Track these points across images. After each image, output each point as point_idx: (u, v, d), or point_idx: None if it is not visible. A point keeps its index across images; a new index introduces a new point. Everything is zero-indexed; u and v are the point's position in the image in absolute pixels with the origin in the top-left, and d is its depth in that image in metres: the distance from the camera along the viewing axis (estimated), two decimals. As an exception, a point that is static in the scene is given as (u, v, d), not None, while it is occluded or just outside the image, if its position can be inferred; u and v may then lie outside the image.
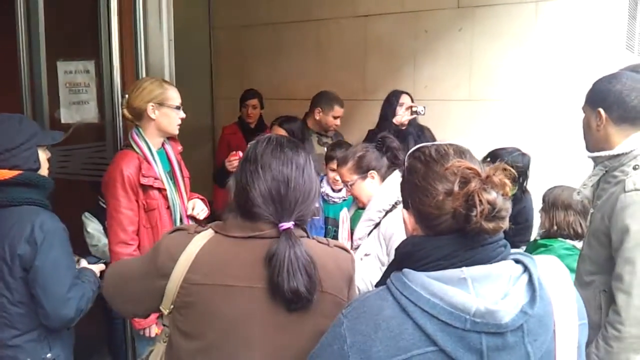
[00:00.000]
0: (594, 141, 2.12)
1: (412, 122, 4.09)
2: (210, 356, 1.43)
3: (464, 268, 1.13)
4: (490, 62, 4.52)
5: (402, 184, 1.30)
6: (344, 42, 5.27)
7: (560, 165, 3.93)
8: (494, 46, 4.49)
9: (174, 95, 2.68)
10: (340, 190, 3.23)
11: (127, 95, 2.69)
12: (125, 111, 2.68)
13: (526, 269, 1.17)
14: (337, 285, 1.48)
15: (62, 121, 3.31)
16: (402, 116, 4.04)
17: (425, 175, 1.20)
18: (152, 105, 2.62)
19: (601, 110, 2.04)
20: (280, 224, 1.43)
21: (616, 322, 1.97)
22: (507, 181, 1.15)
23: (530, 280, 1.15)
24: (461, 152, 1.24)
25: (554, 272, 1.23)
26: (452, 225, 1.16)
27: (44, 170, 2.19)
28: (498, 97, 4.51)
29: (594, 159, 2.14)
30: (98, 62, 3.18)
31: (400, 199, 2.58)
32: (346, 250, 1.57)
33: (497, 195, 1.12)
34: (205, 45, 6.18)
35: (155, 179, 2.63)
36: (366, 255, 2.69)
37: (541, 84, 4.27)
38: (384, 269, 2.55)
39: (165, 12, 3.17)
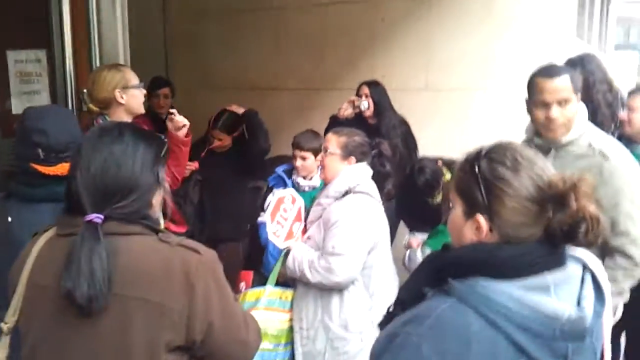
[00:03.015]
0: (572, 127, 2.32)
1: (389, 114, 4.14)
2: None
3: (546, 274, 1.10)
4: (446, 51, 4.57)
5: (473, 186, 1.18)
6: (303, 30, 5.25)
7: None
8: (450, 35, 4.54)
9: (133, 76, 2.72)
10: (311, 178, 3.27)
11: (85, 91, 2.68)
12: (91, 106, 2.68)
13: (585, 267, 1.17)
14: (158, 291, 1.29)
15: (14, 112, 3.22)
16: (344, 109, 4.09)
17: (515, 183, 1.13)
18: (119, 91, 2.63)
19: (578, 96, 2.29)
20: (85, 216, 1.30)
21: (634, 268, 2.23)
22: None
23: (594, 279, 1.16)
24: (539, 156, 1.20)
25: (598, 266, 1.23)
26: (541, 235, 1.12)
27: None
28: (455, 87, 4.57)
29: (560, 145, 2.36)
30: (50, 51, 3.11)
31: (351, 187, 2.67)
32: (195, 249, 1.37)
33: (595, 209, 1.09)
34: (160, 33, 6.03)
35: None
36: (308, 238, 2.76)
37: (496, 72, 4.35)
38: (318, 252, 2.64)
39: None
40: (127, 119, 2.70)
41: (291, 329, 2.78)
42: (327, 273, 2.58)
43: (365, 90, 4.20)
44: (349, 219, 2.62)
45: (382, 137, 3.47)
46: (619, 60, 12.16)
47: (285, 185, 3.30)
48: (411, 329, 1.10)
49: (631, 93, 3.51)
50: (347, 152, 2.74)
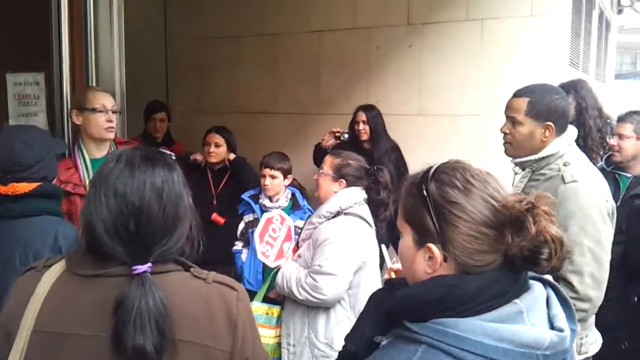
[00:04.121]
0: (530, 149, 2.30)
1: (382, 140, 4.22)
2: None
3: (517, 300, 1.02)
4: (438, 77, 4.66)
5: (423, 212, 1.08)
6: (298, 56, 5.36)
7: (505, 177, 4.06)
8: (442, 62, 4.64)
9: (93, 99, 2.68)
10: (277, 200, 3.35)
11: None
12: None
13: (542, 281, 1.10)
14: (205, 333, 1.22)
15: (11, 133, 3.27)
16: (327, 140, 4.21)
17: (469, 207, 1.04)
18: (75, 111, 2.67)
19: (551, 123, 2.24)
20: (134, 267, 1.17)
21: (573, 300, 2.12)
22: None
23: (558, 294, 1.10)
24: (491, 175, 1.11)
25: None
26: (501, 263, 1.03)
27: (56, 179, 2.21)
28: (446, 112, 4.64)
29: (522, 163, 2.34)
30: (48, 73, 3.18)
31: (342, 209, 2.71)
32: (231, 286, 1.29)
33: (558, 230, 1.01)
34: (161, 58, 6.18)
35: (76, 185, 2.64)
36: (299, 256, 2.80)
37: (487, 99, 4.42)
38: (306, 270, 2.66)
39: (116, 23, 3.19)
40: (93, 143, 2.72)
41: (277, 345, 2.83)
42: (314, 291, 2.61)
43: (362, 116, 4.30)
44: (337, 238, 2.66)
45: (374, 162, 3.54)
46: (619, 88, 12.17)
47: (253, 210, 3.41)
48: None
49: (620, 120, 3.55)
50: (339, 175, 2.79)
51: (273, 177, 3.35)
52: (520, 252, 1.00)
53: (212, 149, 3.88)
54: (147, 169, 1.22)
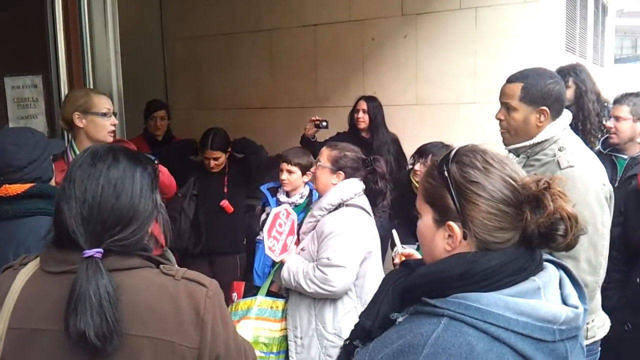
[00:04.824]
0: (525, 135, 2.27)
1: (382, 131, 4.26)
2: None
3: (535, 278, 1.07)
4: (434, 67, 4.67)
5: (444, 192, 1.12)
6: (294, 51, 5.36)
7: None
8: (437, 51, 4.64)
9: (98, 102, 2.68)
10: (292, 196, 3.35)
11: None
12: (61, 122, 2.71)
13: (554, 263, 1.14)
14: (171, 329, 1.23)
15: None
16: (308, 129, 4.24)
17: (489, 186, 1.09)
18: (77, 114, 2.64)
19: (545, 108, 2.20)
20: (84, 251, 1.20)
21: None
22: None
23: (569, 275, 1.14)
24: (508, 158, 1.15)
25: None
26: (519, 240, 1.08)
27: (54, 180, 2.19)
28: (443, 101, 4.65)
29: (517, 149, 2.31)
30: (46, 76, 3.21)
31: (343, 201, 2.73)
32: (200, 283, 1.29)
33: (572, 208, 1.06)
34: (159, 57, 6.20)
35: None
36: (302, 250, 2.82)
37: (484, 86, 4.42)
38: (313, 264, 2.70)
39: (110, 25, 3.23)
40: (90, 144, 2.71)
41: (283, 338, 2.85)
42: (323, 283, 2.63)
43: (363, 105, 4.32)
44: (342, 230, 2.68)
45: (373, 153, 3.56)
46: (619, 72, 12.12)
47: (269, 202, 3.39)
48: None
49: (616, 102, 3.55)
50: (337, 167, 2.80)
51: (290, 172, 3.30)
52: (537, 228, 1.05)
53: (213, 163, 3.88)
54: (107, 160, 1.28)
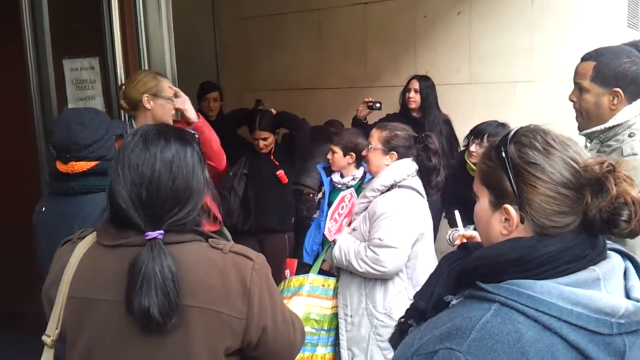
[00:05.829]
0: (598, 119, 2.15)
1: (434, 111, 4.19)
2: None
3: (595, 267, 1.02)
4: (488, 44, 4.55)
5: (501, 174, 1.08)
6: (344, 30, 5.32)
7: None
8: (492, 29, 4.52)
9: (166, 87, 2.77)
10: (345, 176, 3.33)
11: (123, 87, 2.80)
12: (122, 102, 2.78)
13: (621, 253, 1.09)
14: (220, 300, 1.28)
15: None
16: (360, 110, 4.16)
17: (548, 168, 1.03)
18: (147, 97, 2.71)
19: (619, 89, 2.08)
20: (146, 233, 1.25)
21: None
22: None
23: (636, 267, 1.08)
24: (571, 139, 1.10)
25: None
26: (578, 226, 1.03)
27: None
28: (498, 80, 4.54)
29: (590, 134, 2.19)
30: (102, 58, 3.28)
31: (396, 182, 2.71)
32: (247, 256, 1.35)
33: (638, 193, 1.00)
34: (211, 40, 6.26)
35: None
36: (354, 230, 2.82)
37: (541, 64, 4.30)
38: (364, 244, 2.69)
39: (164, 8, 3.26)
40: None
41: (334, 316, 2.88)
42: (375, 264, 2.64)
43: (415, 84, 4.25)
44: (395, 212, 2.67)
45: (425, 131, 3.50)
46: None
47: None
48: (453, 344, 0.96)
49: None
50: (389, 147, 2.78)
51: (334, 151, 3.27)
52: (599, 213, 0.99)
53: (262, 143, 3.92)
54: (159, 143, 1.30)
